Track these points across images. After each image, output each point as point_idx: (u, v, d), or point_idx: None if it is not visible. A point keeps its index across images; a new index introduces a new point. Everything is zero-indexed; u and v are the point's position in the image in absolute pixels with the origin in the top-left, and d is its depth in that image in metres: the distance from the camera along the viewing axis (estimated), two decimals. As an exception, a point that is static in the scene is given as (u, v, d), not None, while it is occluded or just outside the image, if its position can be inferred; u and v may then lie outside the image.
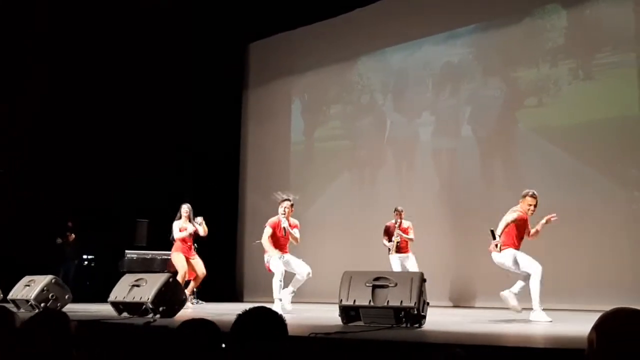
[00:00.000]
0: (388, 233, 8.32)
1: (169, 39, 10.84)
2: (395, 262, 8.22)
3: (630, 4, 8.11)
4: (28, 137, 9.86)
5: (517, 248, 5.80)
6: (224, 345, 2.10)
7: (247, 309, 2.04)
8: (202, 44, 11.36)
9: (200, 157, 11.26)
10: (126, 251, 9.57)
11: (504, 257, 5.73)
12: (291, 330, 2.08)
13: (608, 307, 1.66)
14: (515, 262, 5.69)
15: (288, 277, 6.98)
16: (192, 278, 7.97)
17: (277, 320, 2.00)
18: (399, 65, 10.30)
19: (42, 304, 6.80)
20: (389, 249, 8.29)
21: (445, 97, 9.72)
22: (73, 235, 9.97)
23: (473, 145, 9.28)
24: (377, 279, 4.81)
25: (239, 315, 2.02)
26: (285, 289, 6.88)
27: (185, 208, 7.92)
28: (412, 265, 8.13)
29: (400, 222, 8.23)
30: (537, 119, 8.74)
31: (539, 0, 8.86)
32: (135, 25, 10.45)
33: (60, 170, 9.87)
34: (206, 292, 9.27)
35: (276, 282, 6.71)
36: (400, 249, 8.22)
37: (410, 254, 8.27)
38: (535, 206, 5.82)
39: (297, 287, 7.01)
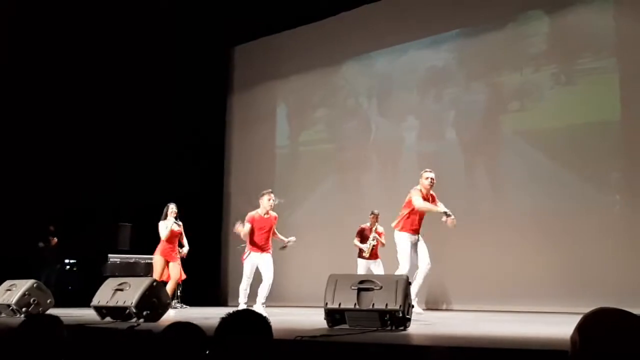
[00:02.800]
0: (362, 235, 8.31)
1: (153, 42, 10.77)
2: (362, 266, 8.16)
3: (610, 11, 8.24)
4: (9, 139, 9.73)
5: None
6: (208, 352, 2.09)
7: (231, 312, 2.04)
8: (187, 47, 11.30)
9: (184, 161, 11.19)
10: (109, 255, 9.48)
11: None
12: (277, 334, 2.07)
13: (591, 309, 1.68)
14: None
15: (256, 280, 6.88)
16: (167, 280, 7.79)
17: (261, 323, 1.99)
18: (384, 70, 10.34)
19: (24, 309, 6.70)
20: (360, 250, 8.25)
21: (430, 101, 9.78)
22: (55, 239, 9.85)
23: (457, 149, 9.34)
24: (362, 282, 4.81)
25: (223, 318, 2.01)
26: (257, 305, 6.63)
27: (172, 207, 7.80)
28: (379, 272, 8.02)
29: (376, 226, 8.23)
30: (520, 123, 8.82)
31: (522, 6, 8.96)
32: (120, 28, 10.38)
33: (42, 174, 9.75)
34: (190, 296, 9.22)
35: (242, 287, 6.74)
36: (372, 254, 8.17)
37: (379, 260, 8.20)
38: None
39: (264, 295, 6.72)
